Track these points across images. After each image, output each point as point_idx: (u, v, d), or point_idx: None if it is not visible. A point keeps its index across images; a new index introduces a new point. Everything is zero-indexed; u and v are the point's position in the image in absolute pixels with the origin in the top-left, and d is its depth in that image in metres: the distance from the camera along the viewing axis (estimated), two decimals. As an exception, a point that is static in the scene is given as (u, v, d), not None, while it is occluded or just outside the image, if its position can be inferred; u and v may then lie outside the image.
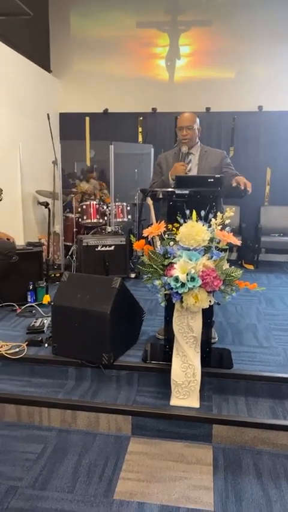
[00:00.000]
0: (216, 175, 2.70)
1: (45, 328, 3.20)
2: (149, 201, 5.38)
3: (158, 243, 2.47)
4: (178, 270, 2.26)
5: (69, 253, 5.05)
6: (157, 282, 2.37)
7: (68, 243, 5.16)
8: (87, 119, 6.26)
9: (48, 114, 5.12)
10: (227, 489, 2.05)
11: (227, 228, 2.36)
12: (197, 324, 2.42)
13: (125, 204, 5.25)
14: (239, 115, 5.91)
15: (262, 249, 5.76)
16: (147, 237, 2.47)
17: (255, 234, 5.72)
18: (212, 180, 2.67)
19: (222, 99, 5.85)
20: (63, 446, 2.35)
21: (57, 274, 4.56)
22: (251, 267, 5.59)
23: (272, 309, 3.87)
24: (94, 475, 2.13)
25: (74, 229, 5.05)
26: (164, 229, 2.44)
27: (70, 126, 6.22)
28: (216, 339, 3.07)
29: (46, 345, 2.95)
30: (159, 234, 2.43)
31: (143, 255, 2.47)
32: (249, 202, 5.70)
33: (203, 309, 2.41)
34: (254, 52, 5.77)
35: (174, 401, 2.47)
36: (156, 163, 3.21)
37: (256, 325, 3.44)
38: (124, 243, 4.68)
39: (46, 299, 3.80)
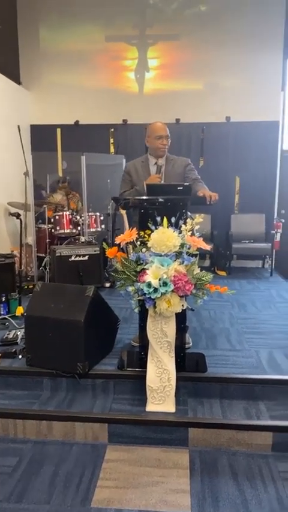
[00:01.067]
0: (185, 184, 2.77)
1: (18, 340, 3.16)
2: (122, 210, 5.44)
3: (131, 250, 2.50)
4: (150, 276, 2.30)
5: (43, 265, 5.01)
6: (130, 288, 2.40)
7: (41, 254, 5.12)
8: (59, 130, 6.28)
9: (18, 126, 5.11)
10: (204, 491, 2.07)
11: (197, 234, 2.41)
12: (171, 328, 2.45)
13: (98, 213, 5.26)
14: (208, 126, 6.07)
15: (234, 255, 5.89)
16: (119, 244, 2.50)
17: (227, 241, 5.84)
18: (182, 188, 2.73)
19: (191, 111, 6.00)
20: (39, 458, 2.32)
21: (31, 286, 4.52)
22: (223, 273, 5.69)
23: (244, 313, 3.96)
24: (71, 484, 2.11)
25: (47, 240, 5.02)
26: (136, 236, 2.47)
27: (41, 137, 6.21)
28: (191, 344, 3.12)
29: (20, 356, 2.92)
30: (132, 240, 2.46)
31: (117, 263, 2.49)
32: (220, 210, 5.84)
33: (176, 314, 2.45)
34: (221, 65, 5.96)
35: (150, 407, 2.48)
36: (125, 172, 3.24)
37: (229, 329, 3.50)
38: (98, 252, 4.69)
39: (19, 311, 3.75)
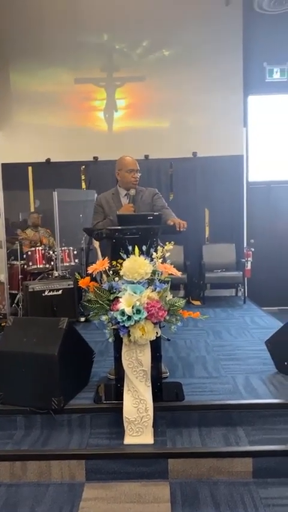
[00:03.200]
0: (155, 213, 2.85)
1: (-10, 378, 3.05)
2: (95, 243, 5.48)
3: (105, 279, 2.52)
4: (124, 304, 2.31)
5: (15, 301, 4.93)
6: (104, 317, 2.40)
7: (13, 291, 5.04)
8: (30, 168, 6.36)
9: (-11, 164, 5.16)
10: (186, 524, 2.01)
11: (168, 261, 2.46)
12: (146, 357, 2.44)
13: (71, 248, 5.27)
14: (176, 161, 6.30)
15: (207, 284, 5.98)
16: (92, 274, 2.51)
17: (200, 270, 5.94)
18: (152, 217, 2.81)
19: (159, 147, 6.22)
20: (12, 501, 2.20)
21: (3, 324, 4.40)
22: (198, 302, 5.74)
23: (220, 341, 3.98)
24: (47, 527, 2.01)
25: (20, 276, 4.97)
26: (108, 265, 2.49)
27: (13, 176, 6.25)
28: (168, 374, 3.09)
29: (-8, 395, 2.81)
30: (105, 269, 2.48)
31: (90, 293, 2.50)
32: (191, 241, 5.98)
33: (151, 343, 2.45)
34: (185, 103, 6.28)
35: (128, 439, 2.42)
36: (97, 204, 3.29)
37: (205, 357, 3.51)
38: (72, 286, 4.66)
39: (-9, 349, 3.64)
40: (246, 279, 5.98)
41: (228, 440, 2.45)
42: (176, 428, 2.56)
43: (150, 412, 2.43)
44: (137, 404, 2.43)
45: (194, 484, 2.29)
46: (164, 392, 2.73)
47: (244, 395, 2.76)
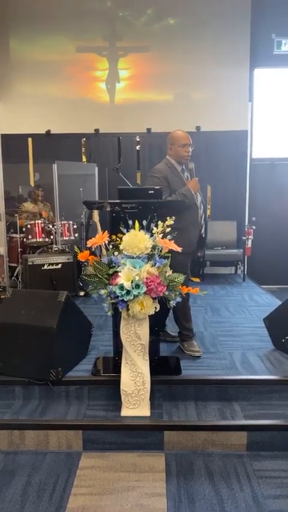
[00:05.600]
0: (156, 187, 2.80)
1: (-11, 350, 3.07)
2: (95, 218, 5.44)
3: (104, 253, 2.50)
4: (123, 278, 2.30)
5: (15, 274, 4.93)
6: (103, 291, 2.39)
7: (12, 264, 5.03)
8: (30, 140, 6.24)
9: (-12, 134, 5.06)
10: (180, 493, 2.05)
11: (168, 237, 2.43)
12: (144, 331, 2.45)
13: (71, 222, 5.22)
14: (179, 135, 6.15)
15: (207, 262, 5.96)
16: (91, 247, 2.49)
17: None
18: (153, 191, 2.76)
19: (162, 120, 6.07)
20: (10, 468, 2.25)
21: (2, 296, 4.41)
22: (197, 279, 5.74)
23: (218, 317, 4.00)
24: (44, 494, 2.05)
25: (19, 250, 4.94)
26: (108, 239, 2.47)
27: (13, 147, 6.14)
28: (201, 353, 3.04)
29: (-10, 366, 2.84)
30: (104, 244, 2.46)
31: (89, 266, 2.48)
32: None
33: (149, 317, 2.45)
34: (190, 76, 6.10)
35: (124, 411, 2.46)
36: (161, 177, 2.99)
37: (203, 333, 3.53)
38: (71, 260, 4.65)
39: (-10, 320, 3.66)
40: (246, 257, 5.96)
41: (223, 415, 2.49)
42: (173, 402, 2.60)
43: (148, 386, 2.46)
44: (135, 377, 2.45)
45: (188, 456, 2.34)
46: (162, 366, 2.76)
47: (241, 371, 2.78)
